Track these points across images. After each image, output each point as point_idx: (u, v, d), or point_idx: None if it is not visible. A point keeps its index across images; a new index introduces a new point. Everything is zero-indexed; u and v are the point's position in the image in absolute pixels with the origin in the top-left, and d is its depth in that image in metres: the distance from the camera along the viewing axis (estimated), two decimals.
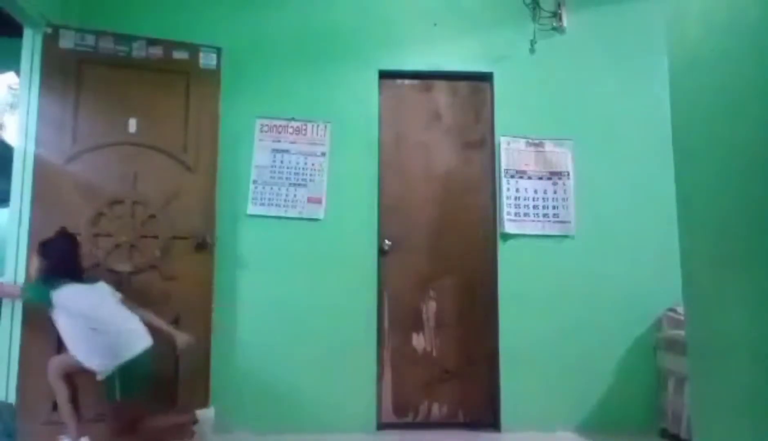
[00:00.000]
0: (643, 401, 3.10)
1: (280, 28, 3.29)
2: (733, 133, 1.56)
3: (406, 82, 3.38)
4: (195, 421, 2.47)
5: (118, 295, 2.50)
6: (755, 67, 1.48)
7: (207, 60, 3.03)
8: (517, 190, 3.24)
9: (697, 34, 1.75)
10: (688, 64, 1.80)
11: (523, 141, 3.28)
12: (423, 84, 3.39)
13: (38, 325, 2.52)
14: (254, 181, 3.16)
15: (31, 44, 2.80)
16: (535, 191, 3.25)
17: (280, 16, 3.30)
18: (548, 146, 3.28)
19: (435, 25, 3.34)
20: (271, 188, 3.17)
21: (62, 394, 2.36)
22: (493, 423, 3.12)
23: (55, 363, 2.39)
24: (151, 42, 2.95)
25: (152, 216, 2.85)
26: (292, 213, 3.16)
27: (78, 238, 2.58)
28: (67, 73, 2.82)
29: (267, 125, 3.21)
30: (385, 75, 3.31)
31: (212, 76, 3.02)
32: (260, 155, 3.19)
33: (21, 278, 2.64)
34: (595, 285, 3.18)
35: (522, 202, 3.23)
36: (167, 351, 2.57)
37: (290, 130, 3.22)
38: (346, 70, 3.28)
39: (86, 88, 2.85)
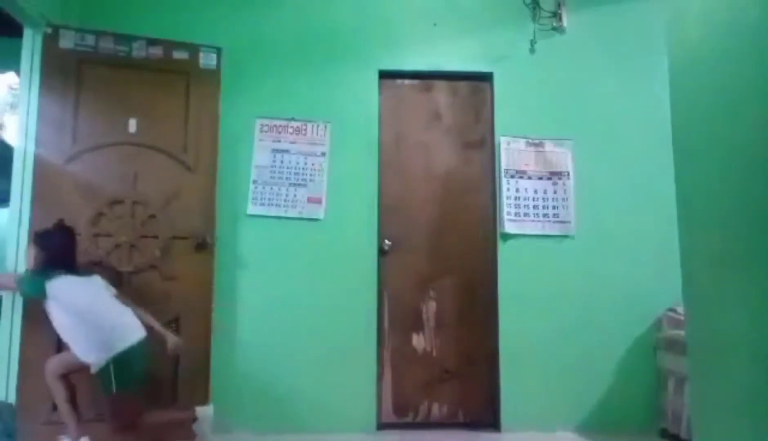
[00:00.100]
0: (643, 401, 3.10)
1: (279, 28, 3.29)
2: (733, 133, 1.56)
3: (406, 82, 3.38)
4: (194, 419, 2.47)
5: (113, 289, 2.50)
6: (755, 67, 1.48)
7: (207, 60, 3.03)
8: (517, 190, 3.24)
9: (697, 34, 1.75)
10: (688, 64, 1.81)
11: (523, 141, 3.28)
12: (423, 84, 3.39)
13: (38, 326, 2.51)
14: (254, 181, 3.16)
15: (31, 44, 2.80)
16: (535, 191, 3.25)
17: (280, 16, 3.30)
18: (548, 146, 3.28)
19: (435, 25, 3.34)
20: (271, 188, 3.17)
21: (60, 395, 2.36)
22: (493, 423, 3.12)
23: (53, 364, 2.38)
24: (151, 42, 2.95)
25: (152, 216, 2.85)
26: (292, 213, 3.16)
27: (77, 237, 2.58)
28: (67, 73, 2.82)
29: (267, 125, 3.21)
30: (385, 75, 3.31)
31: (212, 76, 3.02)
32: (260, 155, 3.19)
33: None
34: (595, 285, 3.18)
35: (522, 202, 3.23)
36: (166, 351, 2.57)
37: (290, 130, 3.22)
38: (346, 70, 3.28)
39: (86, 88, 2.85)
